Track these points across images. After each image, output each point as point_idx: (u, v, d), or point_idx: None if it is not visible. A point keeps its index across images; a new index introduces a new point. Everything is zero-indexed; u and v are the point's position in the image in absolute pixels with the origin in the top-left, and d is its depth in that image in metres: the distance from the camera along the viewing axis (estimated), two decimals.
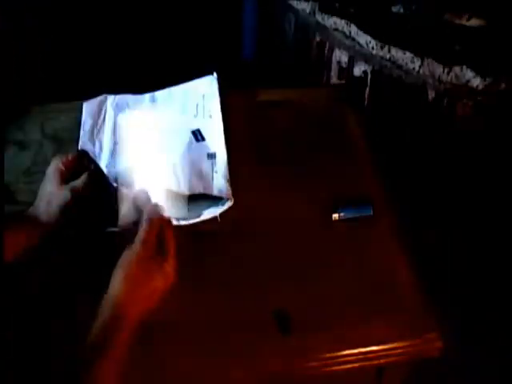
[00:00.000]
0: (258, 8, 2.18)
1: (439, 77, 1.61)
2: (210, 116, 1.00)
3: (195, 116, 1.00)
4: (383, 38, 1.66)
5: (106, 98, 1.04)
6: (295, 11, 1.91)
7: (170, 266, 0.72)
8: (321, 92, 1.16)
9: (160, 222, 0.74)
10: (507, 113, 1.62)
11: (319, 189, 0.96)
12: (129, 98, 1.04)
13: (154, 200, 0.77)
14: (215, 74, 1.07)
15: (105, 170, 0.88)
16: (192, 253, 0.84)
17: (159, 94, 1.06)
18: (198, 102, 1.03)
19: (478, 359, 1.48)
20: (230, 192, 0.90)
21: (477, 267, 1.64)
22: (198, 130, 0.98)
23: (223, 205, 0.89)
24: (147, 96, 1.05)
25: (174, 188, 0.88)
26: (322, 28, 1.81)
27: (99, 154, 0.94)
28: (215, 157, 0.94)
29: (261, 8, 2.18)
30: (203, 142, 0.96)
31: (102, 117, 1.01)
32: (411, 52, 1.62)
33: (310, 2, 1.81)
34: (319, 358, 0.78)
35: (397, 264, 0.87)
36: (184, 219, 0.86)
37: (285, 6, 1.99)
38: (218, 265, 0.85)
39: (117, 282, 0.69)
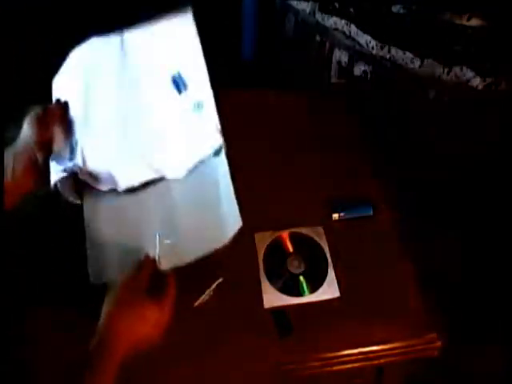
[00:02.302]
0: (258, 8, 2.18)
1: (439, 77, 1.60)
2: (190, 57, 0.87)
3: (172, 58, 0.87)
4: (383, 38, 1.66)
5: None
6: (295, 11, 1.91)
7: (163, 316, 0.71)
8: (321, 92, 1.16)
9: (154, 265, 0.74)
10: (507, 113, 1.62)
11: (319, 188, 0.96)
12: (96, 41, 0.91)
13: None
14: (190, 11, 0.93)
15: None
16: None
17: (128, 37, 0.90)
18: (173, 43, 0.89)
19: (477, 359, 1.48)
20: (221, 139, 0.82)
21: (477, 267, 1.64)
22: (179, 74, 0.85)
23: (218, 154, 0.82)
24: (116, 40, 0.90)
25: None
26: (322, 28, 1.81)
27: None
28: (202, 106, 0.83)
29: (261, 8, 2.18)
30: (186, 92, 0.84)
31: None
32: (411, 52, 1.62)
33: (310, 2, 1.81)
34: (319, 358, 0.78)
35: (397, 264, 0.87)
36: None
37: (285, 6, 1.99)
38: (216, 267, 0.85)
39: (107, 319, 0.68)
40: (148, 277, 0.72)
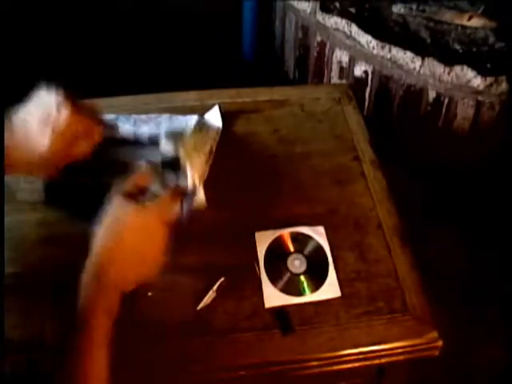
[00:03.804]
0: (258, 8, 2.18)
1: (440, 76, 1.60)
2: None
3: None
4: (384, 38, 1.66)
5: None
6: (296, 11, 1.91)
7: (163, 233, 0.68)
8: (321, 91, 1.16)
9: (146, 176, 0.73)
10: (508, 113, 1.62)
11: (319, 189, 0.96)
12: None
13: None
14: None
15: None
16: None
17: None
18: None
19: (478, 359, 1.48)
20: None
21: (477, 266, 1.64)
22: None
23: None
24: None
25: None
26: (323, 28, 1.81)
27: None
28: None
29: (261, 8, 2.19)
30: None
31: None
32: (412, 52, 1.62)
33: (311, 2, 1.81)
34: (319, 358, 0.78)
35: (397, 263, 0.87)
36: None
37: (285, 6, 1.99)
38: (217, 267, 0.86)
39: (97, 236, 0.63)
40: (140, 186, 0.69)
